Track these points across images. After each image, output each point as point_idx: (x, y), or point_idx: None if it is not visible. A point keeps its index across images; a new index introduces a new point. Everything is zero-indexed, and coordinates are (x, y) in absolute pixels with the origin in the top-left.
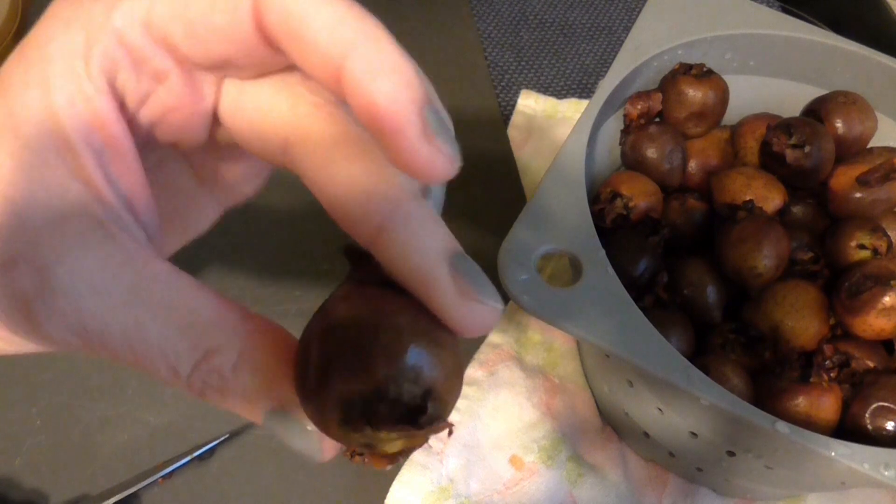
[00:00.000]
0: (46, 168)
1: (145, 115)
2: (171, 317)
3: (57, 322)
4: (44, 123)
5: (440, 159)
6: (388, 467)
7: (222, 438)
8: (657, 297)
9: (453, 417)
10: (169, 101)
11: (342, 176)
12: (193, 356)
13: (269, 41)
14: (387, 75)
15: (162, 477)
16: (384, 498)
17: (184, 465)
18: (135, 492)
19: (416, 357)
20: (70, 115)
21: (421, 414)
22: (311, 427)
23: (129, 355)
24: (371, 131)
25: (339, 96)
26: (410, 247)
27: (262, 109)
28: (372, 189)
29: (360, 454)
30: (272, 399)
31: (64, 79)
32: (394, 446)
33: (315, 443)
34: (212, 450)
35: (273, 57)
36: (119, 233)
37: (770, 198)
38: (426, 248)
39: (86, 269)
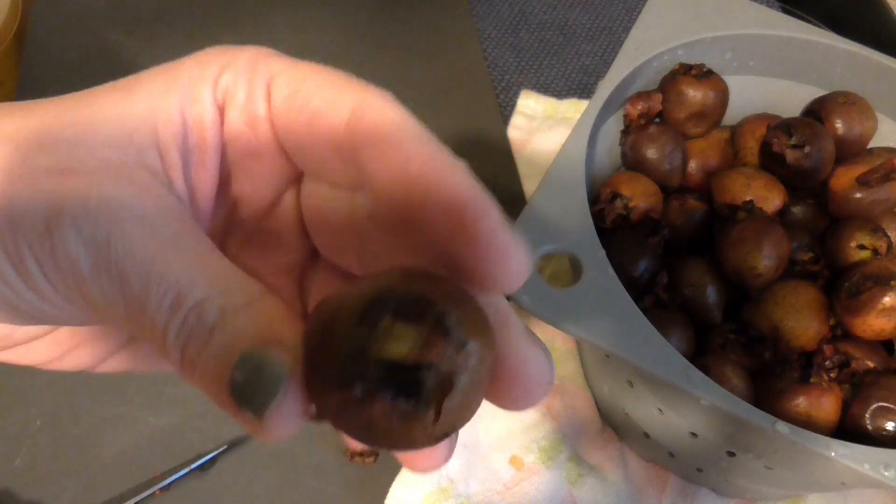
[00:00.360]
0: (137, 134)
1: (232, 150)
2: (202, 264)
3: (80, 230)
4: (156, 104)
5: (521, 251)
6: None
7: (221, 449)
8: (657, 298)
9: None
10: (255, 147)
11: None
12: (207, 292)
13: (350, 142)
14: (464, 172)
15: (160, 489)
16: (384, 498)
17: (182, 476)
18: None
19: (476, 321)
20: (181, 106)
21: (451, 344)
22: (285, 365)
23: (138, 282)
24: (452, 221)
25: (402, 196)
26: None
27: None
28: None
29: (360, 455)
30: (256, 340)
31: (191, 77)
32: (397, 347)
33: (279, 392)
34: (212, 460)
35: (338, 164)
36: (176, 200)
37: (770, 198)
38: (503, 299)
39: (138, 203)
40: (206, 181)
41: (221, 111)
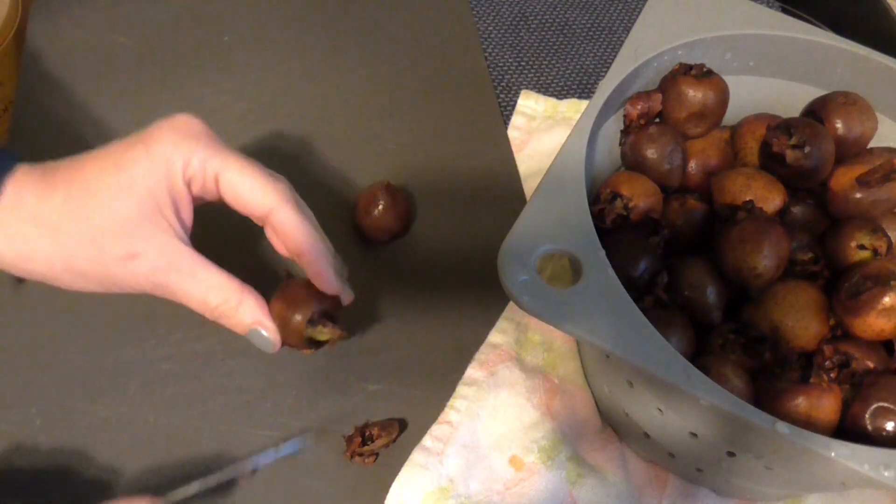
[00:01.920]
0: (157, 196)
1: (194, 190)
2: (215, 280)
3: (151, 278)
4: (157, 191)
5: (331, 281)
6: (312, 351)
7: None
8: (657, 298)
9: (453, 417)
10: (203, 202)
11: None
12: (218, 299)
13: (265, 221)
14: (305, 227)
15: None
16: (384, 498)
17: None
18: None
19: (326, 306)
20: (169, 180)
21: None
22: (271, 334)
23: (186, 296)
24: (294, 255)
25: (290, 248)
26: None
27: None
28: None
29: (360, 454)
30: (254, 322)
31: (169, 166)
32: (323, 335)
33: (271, 340)
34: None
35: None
36: (186, 241)
37: (770, 198)
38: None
39: (175, 259)
40: (188, 221)
41: (188, 184)
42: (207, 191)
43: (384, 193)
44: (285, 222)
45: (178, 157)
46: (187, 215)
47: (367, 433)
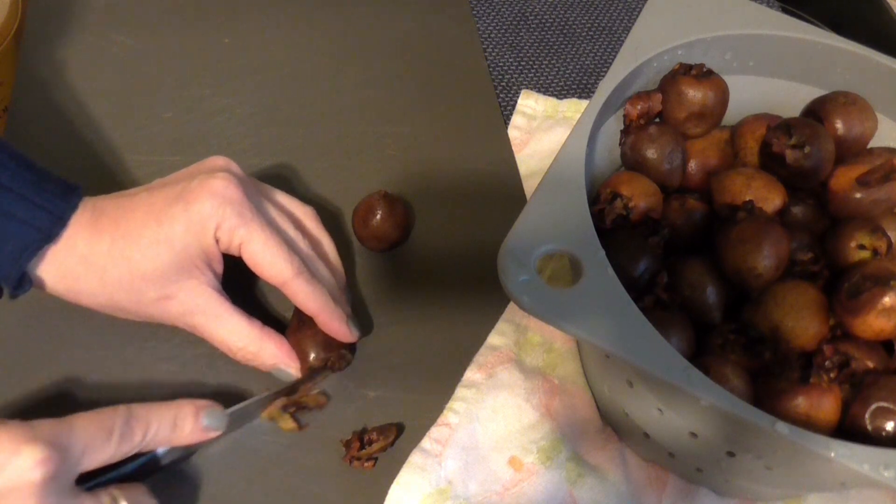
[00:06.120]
0: (191, 250)
1: (220, 247)
2: (238, 324)
3: (183, 320)
4: (192, 247)
5: (344, 332)
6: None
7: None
8: (657, 298)
9: (451, 419)
10: (227, 248)
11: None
12: (239, 343)
13: (280, 287)
14: (315, 296)
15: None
16: (383, 500)
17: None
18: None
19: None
20: (204, 240)
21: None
22: (292, 370)
23: (214, 338)
24: (321, 324)
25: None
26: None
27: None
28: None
29: (358, 459)
30: (273, 364)
31: (205, 229)
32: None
33: (292, 374)
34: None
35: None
36: (217, 288)
37: (770, 198)
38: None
39: (203, 303)
40: (219, 270)
41: (217, 241)
42: (231, 251)
43: (382, 203)
44: (297, 294)
45: (213, 221)
46: (217, 266)
47: (366, 438)
